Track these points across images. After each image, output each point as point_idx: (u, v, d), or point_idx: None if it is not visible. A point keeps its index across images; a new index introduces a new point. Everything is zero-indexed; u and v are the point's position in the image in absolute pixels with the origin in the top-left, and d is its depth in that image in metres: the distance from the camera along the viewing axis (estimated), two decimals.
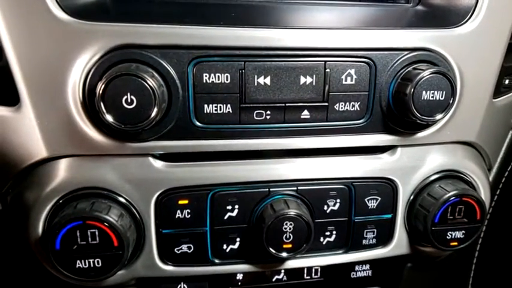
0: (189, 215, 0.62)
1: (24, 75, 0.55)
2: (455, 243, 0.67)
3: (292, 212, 0.61)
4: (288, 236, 0.61)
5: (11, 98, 0.57)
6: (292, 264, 0.68)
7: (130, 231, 0.59)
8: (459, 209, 0.66)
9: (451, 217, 0.67)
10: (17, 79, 0.55)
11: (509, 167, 0.86)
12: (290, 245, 0.62)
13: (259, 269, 0.67)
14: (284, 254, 0.62)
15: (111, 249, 0.57)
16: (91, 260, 0.57)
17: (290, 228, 0.61)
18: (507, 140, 0.82)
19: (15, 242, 0.65)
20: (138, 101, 0.52)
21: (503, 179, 0.86)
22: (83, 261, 0.56)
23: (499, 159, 0.83)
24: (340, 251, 0.69)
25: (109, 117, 0.52)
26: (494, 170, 0.83)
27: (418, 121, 0.61)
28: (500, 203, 0.86)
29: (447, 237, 0.67)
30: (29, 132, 0.58)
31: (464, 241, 0.68)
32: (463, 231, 0.67)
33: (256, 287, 0.71)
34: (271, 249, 0.61)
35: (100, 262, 0.57)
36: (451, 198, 0.65)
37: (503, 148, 0.82)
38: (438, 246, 0.67)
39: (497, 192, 0.87)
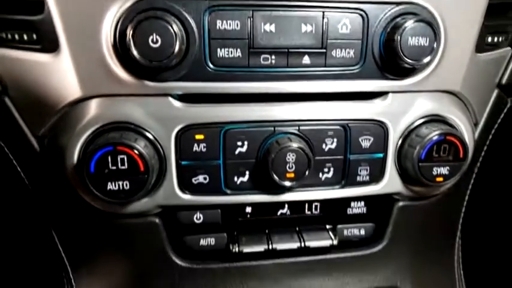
0: (205, 149, 0.71)
1: (64, 25, 0.64)
2: (441, 179, 0.75)
3: (294, 145, 0.69)
4: (290, 166, 0.70)
5: (51, 45, 0.66)
6: (294, 196, 0.77)
7: (154, 160, 0.68)
8: (444, 148, 0.74)
9: (437, 155, 0.75)
10: (57, 29, 0.65)
11: (496, 125, 0.93)
12: (293, 175, 0.70)
13: (266, 199, 0.76)
14: (287, 183, 0.71)
15: (137, 173, 0.65)
16: (120, 183, 0.66)
17: (292, 159, 0.70)
18: (492, 98, 0.90)
19: (52, 179, 0.74)
20: (162, 40, 0.61)
21: (490, 136, 0.94)
22: (113, 183, 0.65)
23: (485, 115, 0.90)
24: (337, 187, 0.77)
25: (137, 55, 0.61)
26: (480, 125, 0.90)
27: (406, 65, 0.69)
28: (488, 157, 0.94)
29: (433, 173, 0.75)
30: (66, 75, 0.67)
31: (449, 177, 0.76)
32: (448, 168, 0.75)
33: (262, 219, 0.80)
34: (275, 177, 0.70)
35: (128, 185, 0.66)
36: (436, 137, 0.73)
37: (489, 105, 0.90)
38: (425, 181, 0.75)
39: (485, 149, 0.95)
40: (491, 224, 0.99)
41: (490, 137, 0.93)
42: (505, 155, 0.99)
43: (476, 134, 0.88)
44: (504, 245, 1.05)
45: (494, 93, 0.89)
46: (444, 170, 0.75)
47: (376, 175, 0.78)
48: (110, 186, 0.66)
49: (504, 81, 0.88)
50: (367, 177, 0.77)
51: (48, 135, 0.72)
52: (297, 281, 0.86)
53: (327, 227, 0.83)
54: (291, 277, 0.86)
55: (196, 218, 0.77)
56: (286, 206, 0.80)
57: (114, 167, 0.65)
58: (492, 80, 0.87)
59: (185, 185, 0.72)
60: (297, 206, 0.81)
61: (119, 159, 0.65)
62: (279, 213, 0.80)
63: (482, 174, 0.94)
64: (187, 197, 0.73)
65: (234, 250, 0.77)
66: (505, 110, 0.92)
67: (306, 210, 0.81)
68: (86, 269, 0.82)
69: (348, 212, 0.82)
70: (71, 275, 0.83)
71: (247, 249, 0.77)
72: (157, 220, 0.77)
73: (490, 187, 0.95)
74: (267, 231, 0.81)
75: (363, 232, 0.84)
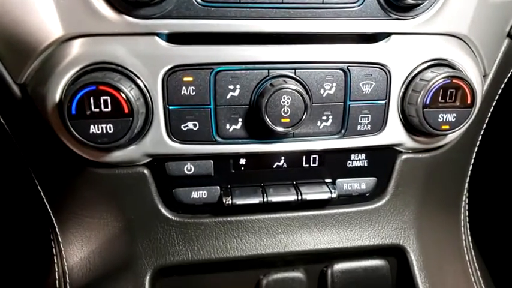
0: (194, 92, 0.67)
1: None
2: (447, 127, 0.71)
3: (291, 86, 0.65)
4: (285, 110, 0.65)
5: None
6: (291, 146, 0.72)
7: (139, 103, 0.63)
8: (450, 93, 0.69)
9: (443, 100, 0.70)
10: None
11: (506, 79, 0.88)
12: (288, 120, 0.66)
13: (260, 149, 0.72)
14: (281, 129, 0.66)
15: (121, 116, 0.61)
16: (103, 126, 0.61)
17: (288, 103, 0.65)
18: (502, 49, 0.84)
19: (35, 127, 0.70)
20: None
21: (500, 91, 0.88)
22: (96, 126, 0.61)
23: (494, 67, 0.85)
24: (336, 137, 0.73)
25: None
26: (489, 77, 0.85)
27: (410, 0, 0.64)
28: (497, 111, 0.89)
29: (439, 120, 0.70)
30: (46, 12, 0.62)
31: (456, 125, 0.71)
32: (455, 114, 0.70)
33: (258, 172, 0.76)
34: (269, 121, 0.65)
35: (112, 128, 0.62)
36: (442, 80, 0.68)
37: (499, 55, 0.84)
38: (430, 129, 0.70)
39: (494, 103, 0.89)
40: (501, 182, 0.94)
41: (500, 91, 0.88)
42: None
43: (485, 87, 0.83)
44: None
45: (504, 43, 0.83)
46: (451, 117, 0.70)
47: (378, 124, 0.73)
48: (93, 129, 0.61)
49: None
50: (368, 127, 0.73)
51: (30, 83, 0.68)
52: (294, 237, 0.82)
53: (326, 181, 0.79)
54: (288, 233, 0.81)
55: (187, 169, 0.73)
56: (283, 158, 0.76)
57: (96, 109, 0.61)
58: (502, 28, 0.81)
59: (174, 132, 0.68)
60: (294, 158, 0.76)
61: (101, 100, 0.61)
62: (275, 165, 0.76)
63: (493, 127, 0.89)
64: (176, 146, 0.69)
65: (227, 203, 0.73)
66: None
67: (304, 163, 0.77)
68: (73, 223, 0.79)
69: (348, 165, 0.78)
70: (57, 230, 0.80)
71: (240, 202, 0.73)
72: (145, 171, 0.73)
73: (501, 142, 0.90)
74: (262, 184, 0.77)
75: (363, 187, 0.80)
